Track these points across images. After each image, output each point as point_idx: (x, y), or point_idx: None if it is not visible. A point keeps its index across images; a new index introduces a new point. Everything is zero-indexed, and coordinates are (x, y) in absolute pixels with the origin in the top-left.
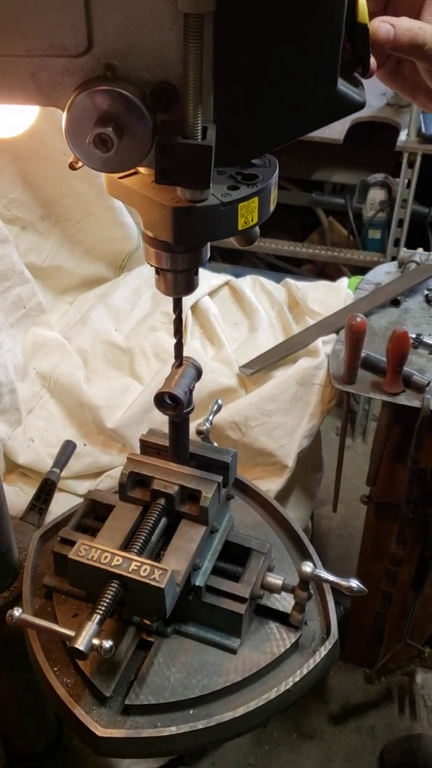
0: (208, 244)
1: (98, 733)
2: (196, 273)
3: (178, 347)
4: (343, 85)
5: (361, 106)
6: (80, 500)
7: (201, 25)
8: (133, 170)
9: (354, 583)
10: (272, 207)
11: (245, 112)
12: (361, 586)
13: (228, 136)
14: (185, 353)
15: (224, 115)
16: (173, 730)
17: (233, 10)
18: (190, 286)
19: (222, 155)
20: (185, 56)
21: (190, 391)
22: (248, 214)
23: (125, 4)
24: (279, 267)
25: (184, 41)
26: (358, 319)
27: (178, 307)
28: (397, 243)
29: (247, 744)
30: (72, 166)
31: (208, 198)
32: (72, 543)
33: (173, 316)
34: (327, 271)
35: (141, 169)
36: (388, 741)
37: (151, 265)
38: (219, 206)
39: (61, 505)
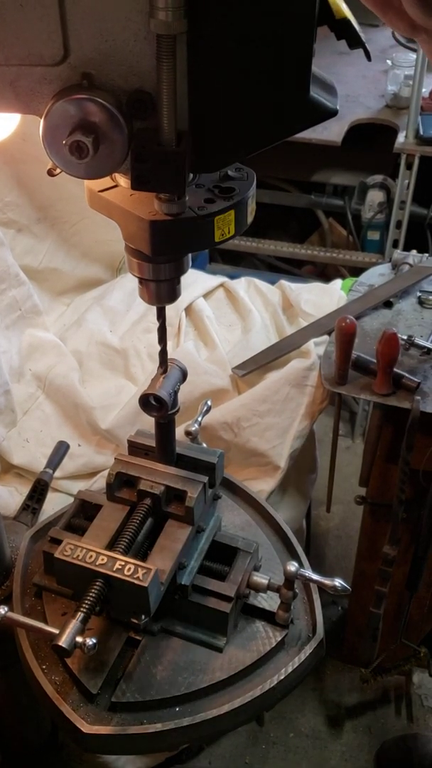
0: (189, 255)
1: (84, 730)
2: (179, 282)
3: (163, 354)
4: (315, 93)
5: (333, 113)
6: None
7: (174, 45)
8: (113, 184)
9: (338, 583)
10: (250, 219)
11: (220, 120)
12: (345, 586)
13: (203, 143)
14: (179, 354)
15: (199, 122)
16: (159, 727)
17: (206, 25)
18: (173, 295)
19: (198, 162)
20: (159, 72)
21: (175, 392)
22: (225, 227)
23: (100, 14)
24: (279, 268)
25: (157, 59)
26: (348, 321)
27: (161, 316)
28: (396, 244)
29: (244, 743)
30: (50, 173)
31: (185, 211)
32: (61, 542)
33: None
34: (328, 273)
35: (121, 182)
36: (384, 740)
37: (135, 276)
38: (195, 219)
39: (55, 505)
